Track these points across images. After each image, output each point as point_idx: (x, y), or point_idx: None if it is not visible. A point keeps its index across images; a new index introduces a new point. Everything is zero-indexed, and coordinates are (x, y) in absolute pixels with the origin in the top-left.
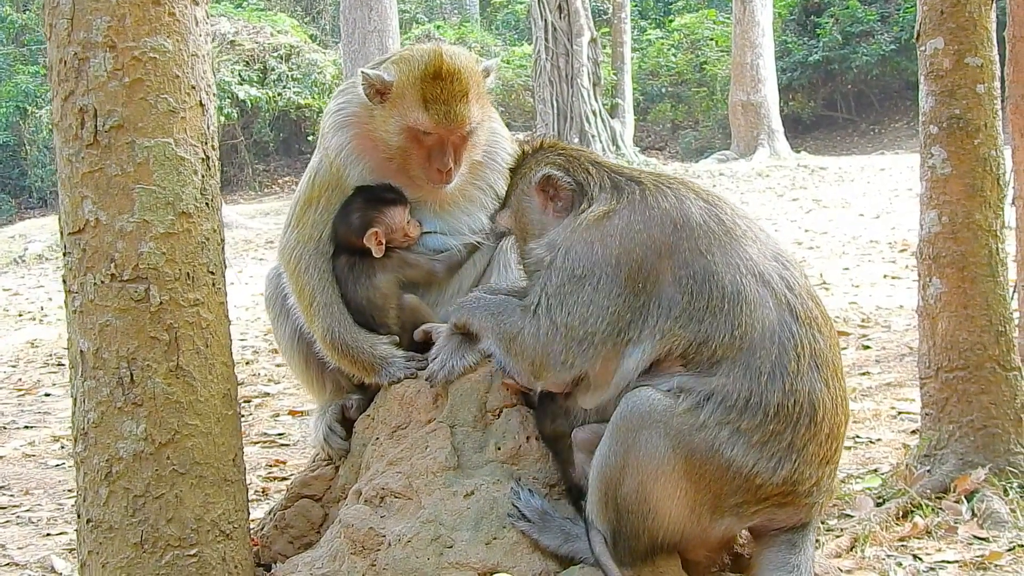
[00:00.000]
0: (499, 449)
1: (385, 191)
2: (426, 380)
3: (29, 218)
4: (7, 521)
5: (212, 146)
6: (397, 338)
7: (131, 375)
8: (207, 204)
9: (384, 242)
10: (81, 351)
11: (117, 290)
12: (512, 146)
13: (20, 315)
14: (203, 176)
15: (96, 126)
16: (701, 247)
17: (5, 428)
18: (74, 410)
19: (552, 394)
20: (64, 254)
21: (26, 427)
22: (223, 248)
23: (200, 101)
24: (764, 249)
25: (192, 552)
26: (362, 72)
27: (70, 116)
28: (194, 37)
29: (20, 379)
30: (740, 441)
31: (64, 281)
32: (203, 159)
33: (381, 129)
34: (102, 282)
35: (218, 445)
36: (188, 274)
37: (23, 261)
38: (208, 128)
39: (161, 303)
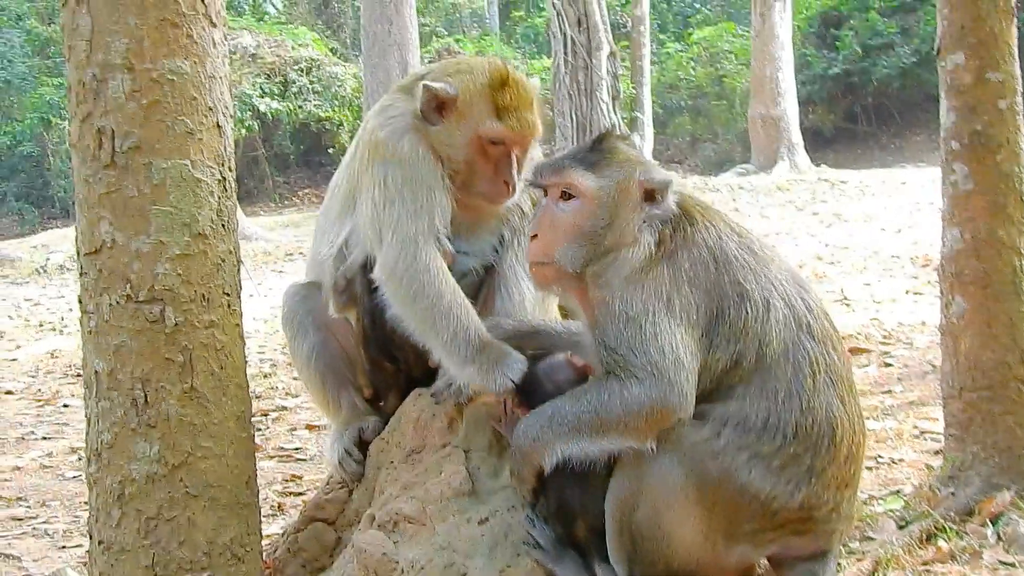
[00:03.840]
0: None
1: None
2: (431, 396)
3: (52, 228)
4: (23, 532)
5: (229, 168)
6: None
7: (145, 396)
8: (223, 226)
9: None
10: (96, 371)
11: (132, 311)
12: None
13: (41, 325)
14: (219, 198)
15: (113, 147)
16: (739, 277)
17: (23, 439)
18: (88, 430)
19: None
20: (80, 274)
21: (44, 438)
22: (239, 270)
23: (217, 123)
24: (786, 273)
25: (204, 575)
26: (424, 85)
27: (88, 137)
28: (212, 59)
29: (39, 390)
30: (758, 465)
31: (80, 301)
32: (220, 180)
33: (444, 144)
34: (117, 303)
35: (231, 468)
36: (203, 296)
37: (45, 271)
38: (225, 150)
39: (176, 324)
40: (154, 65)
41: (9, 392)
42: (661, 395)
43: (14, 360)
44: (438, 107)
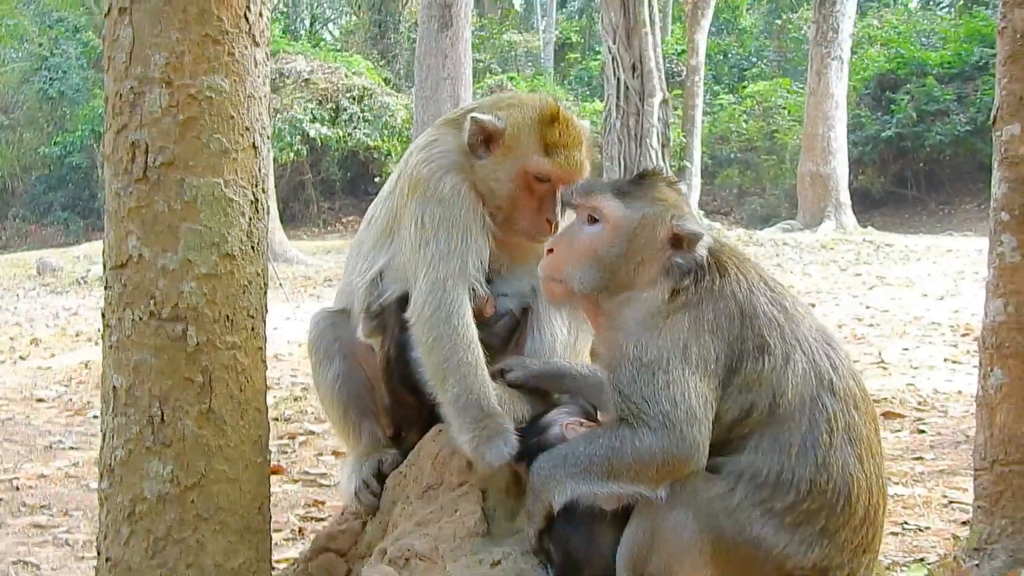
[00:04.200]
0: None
1: None
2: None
3: (96, 239)
4: (44, 541)
5: (262, 189)
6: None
7: (162, 415)
8: (252, 247)
9: None
10: (114, 387)
11: (155, 328)
12: None
13: (77, 335)
14: (251, 219)
15: (147, 161)
16: (763, 332)
17: (51, 447)
18: (103, 445)
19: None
20: (105, 288)
21: (72, 448)
22: (265, 292)
23: (253, 143)
24: (814, 331)
25: None
26: (473, 117)
27: (121, 150)
28: (252, 78)
29: (71, 399)
30: (772, 522)
31: (103, 315)
32: (252, 202)
33: (488, 179)
34: (140, 319)
35: (244, 492)
36: (228, 317)
37: (85, 282)
38: (259, 171)
39: (198, 344)
40: (193, 81)
41: (41, 400)
42: (672, 446)
43: (48, 369)
44: (485, 140)
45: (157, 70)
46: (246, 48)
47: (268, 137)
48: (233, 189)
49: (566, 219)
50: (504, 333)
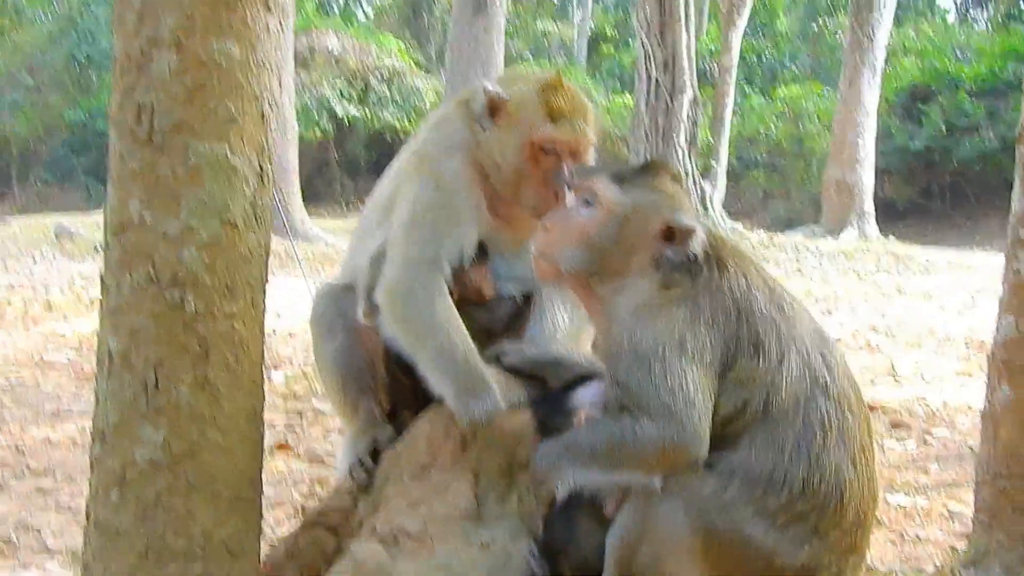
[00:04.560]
0: (522, 503)
1: None
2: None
3: None
4: (47, 506)
5: (268, 159)
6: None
7: (156, 381)
8: (256, 217)
9: (456, 296)
10: (109, 351)
11: (153, 294)
12: None
13: (91, 302)
14: (255, 188)
15: (152, 125)
16: (759, 330)
17: (58, 413)
18: (96, 410)
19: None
20: (105, 250)
21: (79, 414)
22: (267, 263)
23: (262, 112)
24: (810, 331)
25: (197, 568)
26: (483, 87)
27: (127, 111)
28: (263, 45)
29: (82, 366)
30: (763, 521)
31: (101, 278)
32: (257, 171)
33: (494, 152)
34: (139, 284)
35: (237, 463)
36: (227, 286)
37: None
38: (266, 140)
39: (196, 312)
40: (203, 45)
41: (51, 365)
42: (674, 435)
43: (61, 334)
44: (491, 112)
45: (167, 32)
46: (259, 13)
47: (277, 106)
48: (239, 157)
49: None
50: (505, 318)
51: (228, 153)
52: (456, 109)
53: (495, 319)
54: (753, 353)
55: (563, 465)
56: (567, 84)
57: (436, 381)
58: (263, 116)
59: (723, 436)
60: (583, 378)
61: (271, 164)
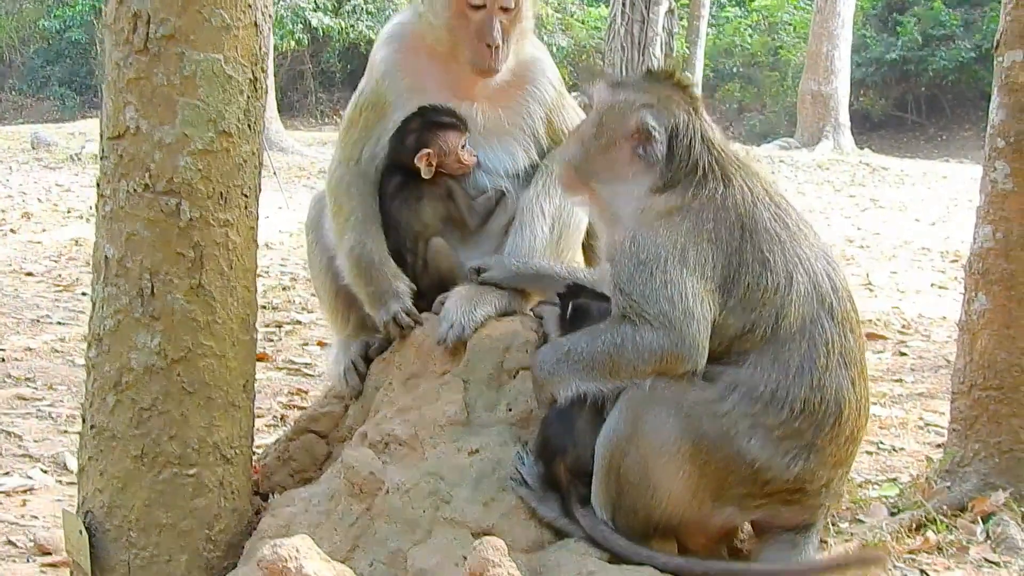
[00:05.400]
0: (510, 411)
1: (444, 114)
2: (437, 343)
3: (91, 117)
4: (27, 413)
5: (262, 68)
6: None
7: (152, 288)
8: (249, 126)
9: (435, 165)
10: (106, 257)
11: (149, 201)
12: (555, 74)
13: (68, 212)
14: (249, 97)
15: (148, 33)
16: (764, 247)
17: (39, 321)
18: (92, 315)
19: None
20: (101, 158)
21: (59, 323)
22: (260, 172)
23: (255, 21)
24: (816, 250)
25: (191, 472)
26: None
27: (123, 19)
28: None
29: (60, 275)
30: (759, 435)
31: (97, 185)
32: (251, 80)
33: (429, 17)
34: (135, 191)
35: (230, 369)
36: (221, 194)
37: (79, 159)
38: (260, 49)
39: (191, 219)
40: None
41: (30, 274)
42: (672, 345)
43: (38, 243)
44: None
45: None
46: None
47: (270, 16)
48: (233, 66)
49: (510, 44)
50: (482, 211)
51: (223, 62)
52: (405, 9)
53: (472, 211)
54: (760, 269)
55: (564, 373)
56: None
57: (351, 282)
58: (256, 25)
59: (728, 352)
60: (577, 287)
61: (264, 73)
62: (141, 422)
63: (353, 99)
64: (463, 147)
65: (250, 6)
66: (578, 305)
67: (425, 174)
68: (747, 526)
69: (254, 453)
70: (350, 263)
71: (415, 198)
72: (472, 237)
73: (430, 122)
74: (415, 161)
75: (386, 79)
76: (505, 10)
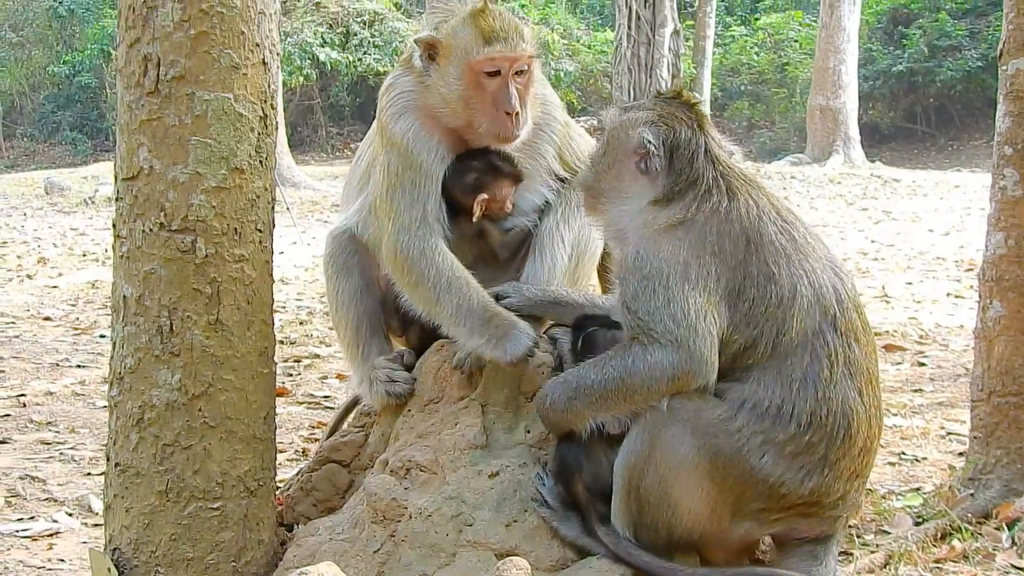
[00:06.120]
0: (528, 432)
1: (506, 162)
2: (454, 368)
3: (104, 160)
4: (50, 457)
5: (271, 105)
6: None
7: (171, 325)
8: (261, 162)
9: (484, 209)
10: (124, 296)
11: (164, 239)
12: (560, 108)
13: (84, 255)
14: (259, 134)
15: (158, 75)
16: (769, 260)
17: (58, 365)
18: (112, 354)
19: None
20: (116, 199)
21: (79, 366)
22: (273, 207)
23: (263, 59)
24: (823, 262)
25: (215, 505)
26: (413, 40)
27: (134, 63)
28: None
29: (78, 318)
30: (771, 451)
31: (114, 226)
32: (261, 117)
33: (441, 91)
34: (151, 230)
35: (251, 402)
36: (236, 230)
37: (93, 202)
38: (268, 86)
39: (206, 256)
40: None
41: (48, 318)
42: (682, 363)
43: (55, 288)
44: (430, 56)
45: None
46: None
47: (278, 54)
48: (243, 104)
49: (526, 107)
50: (513, 245)
51: (232, 100)
52: (401, 68)
53: (503, 245)
54: (764, 283)
55: (576, 406)
56: (493, 7)
57: (464, 338)
58: (265, 63)
59: (733, 369)
60: (587, 317)
61: (274, 110)
62: (165, 458)
63: (384, 171)
64: (511, 193)
65: (258, 45)
66: (588, 335)
67: (475, 218)
68: (767, 538)
69: (277, 485)
70: (459, 323)
71: (449, 240)
72: (499, 271)
73: (493, 166)
74: (473, 202)
75: (413, 149)
76: (519, 74)
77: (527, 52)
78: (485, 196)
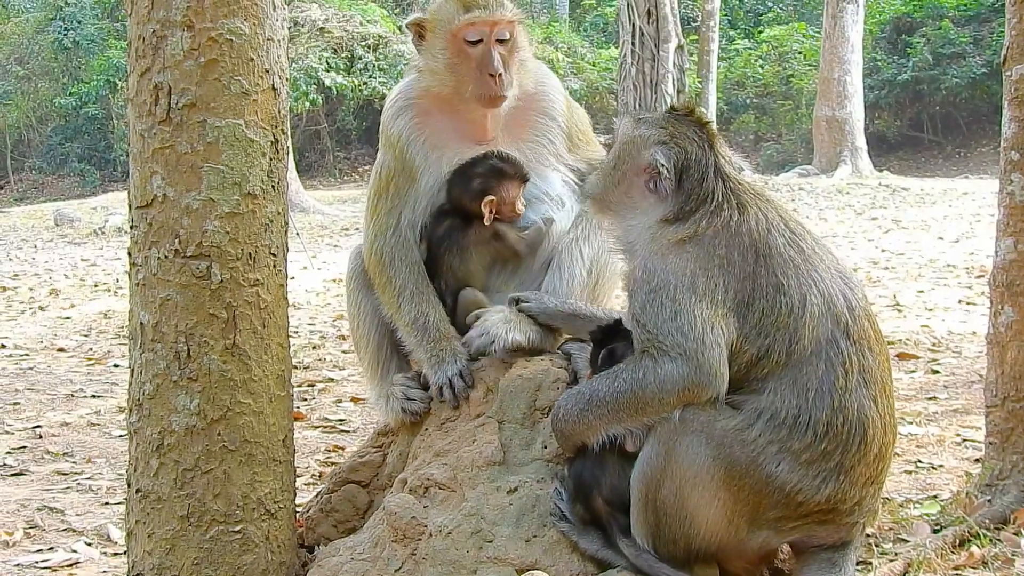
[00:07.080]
0: (546, 448)
1: (509, 163)
2: (462, 347)
3: (113, 191)
4: (68, 488)
5: (282, 130)
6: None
7: (188, 350)
8: (273, 187)
9: (494, 212)
10: (141, 323)
11: (180, 266)
12: (560, 91)
13: (96, 286)
14: (271, 159)
15: (169, 103)
16: (778, 272)
17: (73, 396)
18: (131, 381)
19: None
20: (131, 227)
21: (93, 396)
22: (286, 231)
23: (273, 85)
24: (832, 272)
25: (237, 529)
26: (404, 25)
27: (145, 92)
28: (271, 21)
29: (91, 348)
30: (787, 459)
31: (129, 254)
32: (272, 142)
33: (430, 64)
34: (166, 257)
35: (269, 425)
36: (250, 254)
37: (103, 233)
38: (279, 112)
39: (222, 281)
40: (214, 24)
41: (61, 350)
42: (692, 374)
43: (68, 319)
44: (419, 36)
45: (179, 14)
46: None
47: (287, 79)
48: (254, 130)
49: (511, 71)
50: (532, 240)
51: (244, 126)
52: (404, 79)
53: (523, 240)
54: (774, 294)
55: (588, 419)
56: None
57: (413, 347)
58: (275, 89)
59: (748, 380)
60: (606, 331)
61: (285, 135)
62: (185, 483)
63: (376, 172)
64: (520, 194)
65: (267, 71)
66: (611, 350)
67: (486, 221)
68: (786, 546)
69: (297, 507)
70: (412, 333)
71: (462, 246)
72: (517, 274)
73: (496, 169)
74: (480, 206)
75: (407, 147)
76: (501, 42)
77: (506, 17)
78: (492, 198)
